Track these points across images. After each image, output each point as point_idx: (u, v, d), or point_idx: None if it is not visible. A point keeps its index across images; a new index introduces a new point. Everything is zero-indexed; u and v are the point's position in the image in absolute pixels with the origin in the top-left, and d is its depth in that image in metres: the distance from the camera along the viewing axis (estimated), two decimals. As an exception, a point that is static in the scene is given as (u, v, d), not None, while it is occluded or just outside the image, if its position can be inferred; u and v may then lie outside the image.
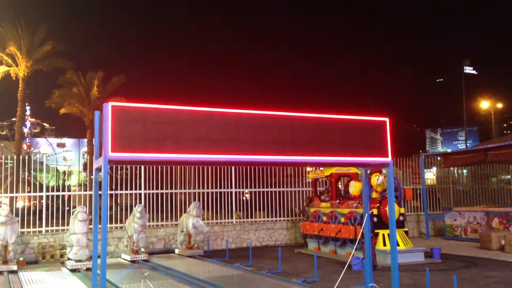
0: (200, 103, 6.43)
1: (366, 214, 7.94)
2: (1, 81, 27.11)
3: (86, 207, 14.10)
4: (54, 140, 44.49)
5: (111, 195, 14.46)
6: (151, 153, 5.91)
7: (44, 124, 44.06)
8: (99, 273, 6.31)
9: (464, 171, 21.56)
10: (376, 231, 11.70)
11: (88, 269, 11.25)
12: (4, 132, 41.41)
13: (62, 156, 41.89)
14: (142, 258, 12.35)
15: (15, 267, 11.05)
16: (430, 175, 22.63)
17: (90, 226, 12.68)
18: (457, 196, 19.46)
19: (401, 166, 18.18)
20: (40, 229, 13.61)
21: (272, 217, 16.55)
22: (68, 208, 14.56)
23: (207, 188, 15.97)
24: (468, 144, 46.35)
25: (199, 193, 15.72)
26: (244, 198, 16.61)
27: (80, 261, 11.35)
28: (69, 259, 11.62)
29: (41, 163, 18.87)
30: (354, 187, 12.95)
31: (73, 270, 11.21)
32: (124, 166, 15.32)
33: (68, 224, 12.63)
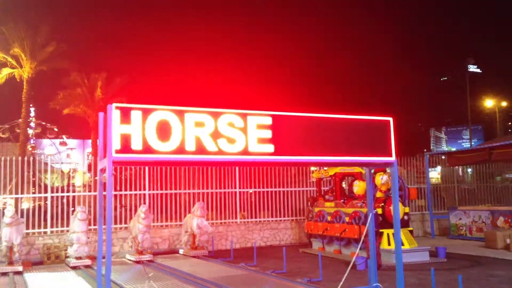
0: (204, 103, 6.45)
1: (371, 214, 7.93)
2: (3, 83, 27.18)
3: (91, 207, 14.18)
4: (56, 141, 44.71)
5: (115, 195, 14.49)
6: (155, 154, 5.91)
7: (43, 122, 44.18)
8: (103, 274, 6.32)
9: (469, 170, 21.49)
10: (380, 230, 11.68)
11: (87, 266, 11.60)
12: (6, 135, 41.38)
13: (65, 154, 42.00)
14: (147, 259, 12.38)
15: (20, 268, 11.10)
16: (435, 174, 22.59)
17: (90, 227, 12.92)
18: (462, 195, 19.40)
19: (405, 165, 18.14)
20: (45, 230, 13.66)
21: (276, 217, 16.55)
22: (73, 209, 14.59)
23: (211, 188, 15.97)
24: (472, 143, 46.25)
25: (203, 193, 15.73)
26: (248, 196, 16.59)
27: (80, 258, 11.80)
28: (70, 256, 12.00)
29: (46, 164, 18.92)
30: (359, 187, 12.93)
31: (74, 268, 11.53)
32: (128, 167, 15.34)
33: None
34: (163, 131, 5.93)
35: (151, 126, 5.90)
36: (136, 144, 5.82)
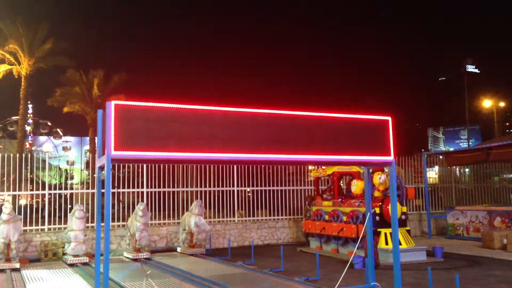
0: (203, 101, 6.45)
1: (368, 213, 7.95)
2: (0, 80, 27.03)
3: (89, 205, 14.17)
4: (51, 136, 44.66)
5: (113, 193, 14.49)
6: (154, 152, 5.91)
7: (36, 118, 44.03)
8: (102, 272, 6.32)
9: (466, 170, 21.53)
10: (378, 230, 11.70)
11: (85, 264, 11.59)
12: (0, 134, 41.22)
13: (62, 147, 41.86)
14: (144, 257, 12.37)
15: (17, 265, 11.09)
16: (432, 174, 22.61)
17: (88, 224, 12.91)
18: (459, 195, 19.44)
19: (403, 165, 18.16)
20: (42, 227, 13.64)
21: (274, 215, 16.55)
22: (70, 206, 14.59)
23: (209, 186, 15.97)
24: (470, 143, 46.37)
25: (201, 191, 15.72)
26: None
27: (77, 256, 11.76)
28: (67, 254, 11.97)
29: (44, 161, 18.93)
30: (356, 186, 12.94)
31: (71, 265, 11.52)
32: (126, 165, 15.34)
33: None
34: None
35: (151, 123, 5.93)
36: (136, 142, 5.84)
